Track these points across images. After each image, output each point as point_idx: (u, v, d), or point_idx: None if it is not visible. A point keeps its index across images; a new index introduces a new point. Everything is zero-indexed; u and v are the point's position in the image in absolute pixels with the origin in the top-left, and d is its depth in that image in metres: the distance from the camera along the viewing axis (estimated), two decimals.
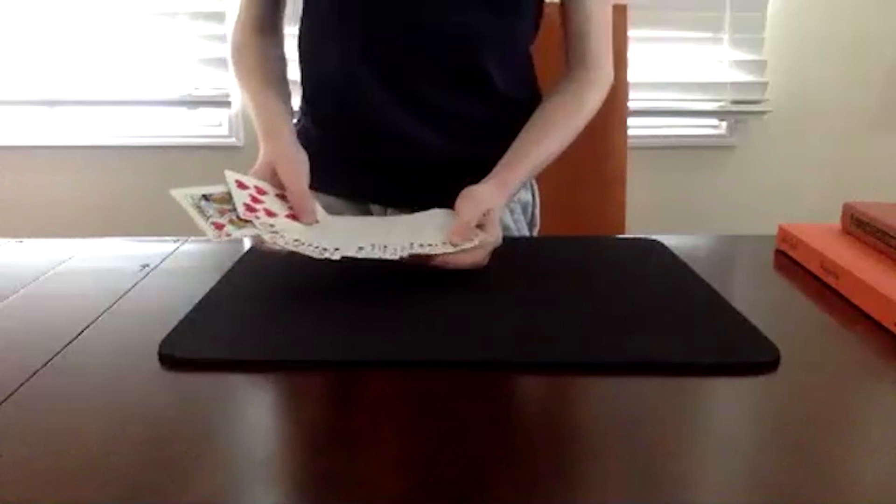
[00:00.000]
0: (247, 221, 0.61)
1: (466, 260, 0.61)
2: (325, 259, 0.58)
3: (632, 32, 1.15)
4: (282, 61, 0.88)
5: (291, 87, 0.87)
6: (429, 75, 0.83)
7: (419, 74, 0.83)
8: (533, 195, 0.99)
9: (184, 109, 1.88)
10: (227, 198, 0.64)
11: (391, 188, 0.89)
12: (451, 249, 0.60)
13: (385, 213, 0.90)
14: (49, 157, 1.91)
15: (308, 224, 0.66)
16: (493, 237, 0.64)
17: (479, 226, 0.65)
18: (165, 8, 1.78)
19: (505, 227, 0.92)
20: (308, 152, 0.73)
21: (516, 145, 0.79)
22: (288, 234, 0.61)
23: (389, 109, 0.84)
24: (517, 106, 0.87)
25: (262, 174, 0.69)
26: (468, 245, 0.61)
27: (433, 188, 0.76)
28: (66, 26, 1.78)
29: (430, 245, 0.60)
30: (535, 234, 0.99)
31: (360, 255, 0.59)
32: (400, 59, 0.82)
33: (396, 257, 0.58)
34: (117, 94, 1.82)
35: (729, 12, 1.80)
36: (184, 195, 0.61)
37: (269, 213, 0.63)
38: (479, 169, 0.75)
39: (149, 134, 1.90)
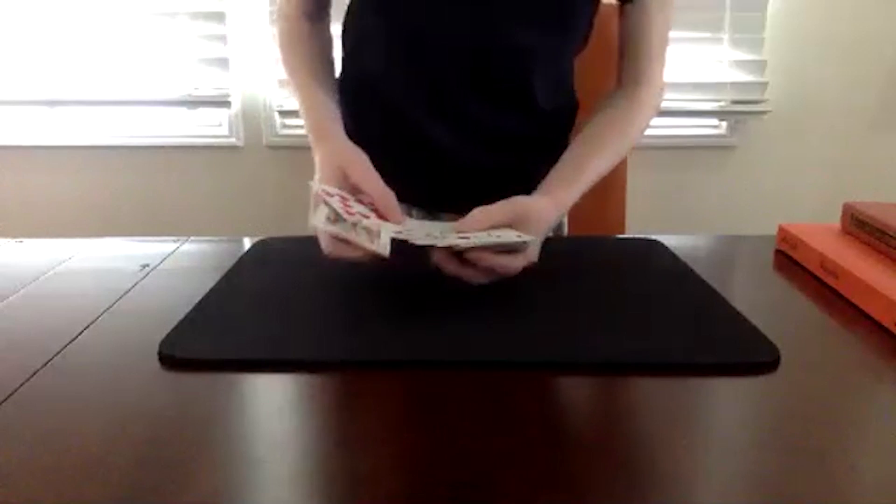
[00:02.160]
0: (354, 224, 0.58)
1: (510, 266, 0.58)
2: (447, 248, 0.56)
3: None
4: (329, 49, 0.86)
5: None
6: (470, 88, 0.81)
7: (460, 86, 0.81)
8: None
9: (184, 109, 1.88)
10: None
11: (415, 193, 0.87)
12: (480, 241, 0.57)
13: (409, 213, 0.89)
14: (49, 157, 1.91)
15: (397, 223, 0.62)
16: (529, 252, 0.61)
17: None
18: (165, 8, 1.78)
19: None
20: None
21: (570, 163, 0.75)
22: (411, 230, 0.59)
23: (424, 115, 0.83)
24: (553, 117, 0.85)
25: (336, 180, 0.64)
26: (475, 238, 0.57)
27: (459, 196, 0.75)
28: (66, 26, 1.78)
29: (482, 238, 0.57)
30: None
31: (463, 244, 0.56)
32: (443, 70, 0.81)
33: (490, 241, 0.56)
34: (117, 94, 1.82)
35: (729, 12, 1.80)
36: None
37: (363, 216, 0.61)
38: (508, 179, 0.73)
39: (149, 134, 1.90)
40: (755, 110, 1.86)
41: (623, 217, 1.18)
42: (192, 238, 0.79)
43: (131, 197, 1.94)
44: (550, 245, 0.76)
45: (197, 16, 1.80)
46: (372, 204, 0.61)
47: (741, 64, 1.84)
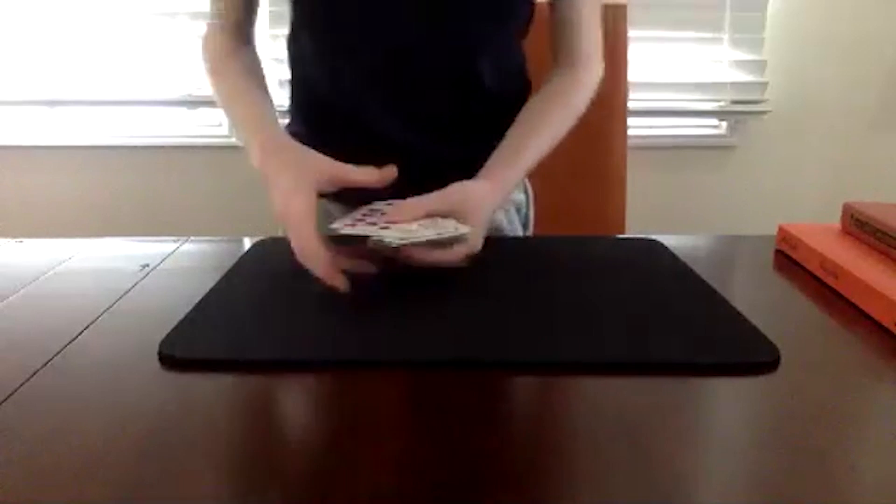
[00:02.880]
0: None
1: (432, 256, 0.59)
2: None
3: (632, 32, 1.15)
4: (262, 73, 0.86)
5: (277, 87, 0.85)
6: (420, 80, 0.82)
7: (410, 79, 0.82)
8: (526, 195, 0.98)
9: (184, 109, 1.88)
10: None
11: (377, 192, 0.87)
12: (415, 238, 0.57)
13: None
14: (49, 157, 1.91)
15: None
16: (471, 237, 0.61)
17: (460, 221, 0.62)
18: (165, 8, 1.78)
19: (499, 228, 0.91)
20: None
21: (509, 144, 0.77)
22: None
23: (377, 114, 0.83)
24: (507, 101, 0.86)
25: (308, 185, 0.61)
26: (398, 233, 0.58)
27: (420, 190, 0.75)
28: (66, 26, 1.78)
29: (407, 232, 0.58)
30: (529, 234, 0.99)
31: (397, 242, 0.57)
32: (391, 65, 0.81)
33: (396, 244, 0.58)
34: (117, 94, 1.82)
35: (729, 12, 1.80)
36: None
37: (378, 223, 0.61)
38: (471, 168, 0.74)
39: (149, 134, 1.90)
40: (755, 110, 1.86)
41: (623, 217, 1.18)
42: (192, 238, 0.79)
43: (131, 197, 1.94)
44: (550, 244, 0.76)
45: (197, 16, 1.80)
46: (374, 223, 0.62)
47: (741, 64, 1.84)
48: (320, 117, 0.88)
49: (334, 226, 0.60)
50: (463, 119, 0.86)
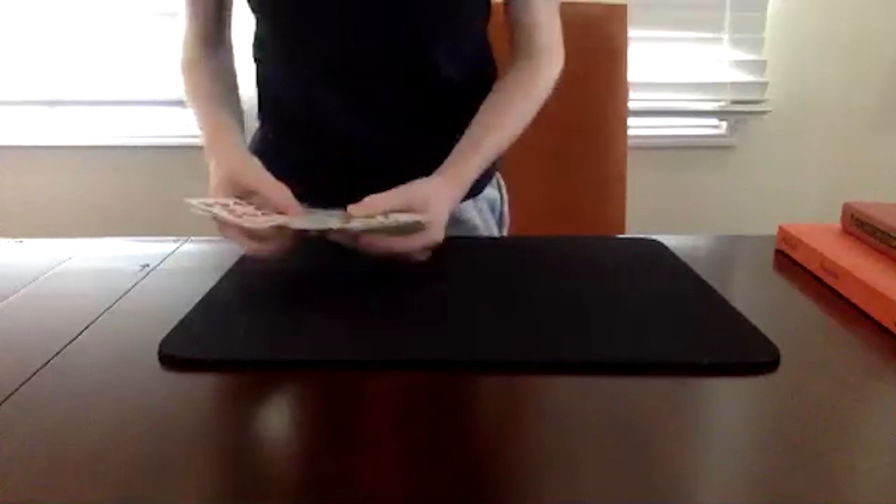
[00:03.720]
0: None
1: (406, 246, 0.61)
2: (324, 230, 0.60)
3: (632, 32, 1.15)
4: (231, 76, 0.86)
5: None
6: (374, 76, 0.81)
7: (363, 75, 0.81)
8: (500, 192, 0.97)
9: (183, 109, 1.88)
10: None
11: (351, 194, 0.88)
12: (374, 224, 0.59)
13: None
14: (49, 157, 1.91)
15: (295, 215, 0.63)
16: (431, 229, 0.63)
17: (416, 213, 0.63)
18: (165, 8, 1.78)
19: (474, 227, 0.91)
20: (268, 157, 0.71)
21: (467, 139, 0.77)
22: (311, 221, 0.61)
23: (333, 111, 0.83)
24: (469, 90, 0.85)
25: (229, 188, 0.65)
26: (363, 222, 0.60)
27: (384, 185, 0.75)
28: (66, 26, 1.78)
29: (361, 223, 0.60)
30: (505, 232, 0.98)
31: (356, 228, 0.60)
32: (349, 64, 0.81)
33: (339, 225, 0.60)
34: (117, 94, 1.82)
35: (729, 12, 1.80)
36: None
37: (250, 216, 0.61)
38: (432, 160, 0.74)
39: (149, 134, 1.90)
40: (755, 110, 1.86)
41: (623, 217, 1.18)
42: (192, 238, 0.79)
43: (131, 197, 1.94)
44: (550, 244, 0.76)
45: None
46: (260, 208, 0.62)
47: (741, 64, 1.84)
48: (279, 116, 0.88)
49: (294, 224, 0.60)
50: (422, 112, 0.85)
